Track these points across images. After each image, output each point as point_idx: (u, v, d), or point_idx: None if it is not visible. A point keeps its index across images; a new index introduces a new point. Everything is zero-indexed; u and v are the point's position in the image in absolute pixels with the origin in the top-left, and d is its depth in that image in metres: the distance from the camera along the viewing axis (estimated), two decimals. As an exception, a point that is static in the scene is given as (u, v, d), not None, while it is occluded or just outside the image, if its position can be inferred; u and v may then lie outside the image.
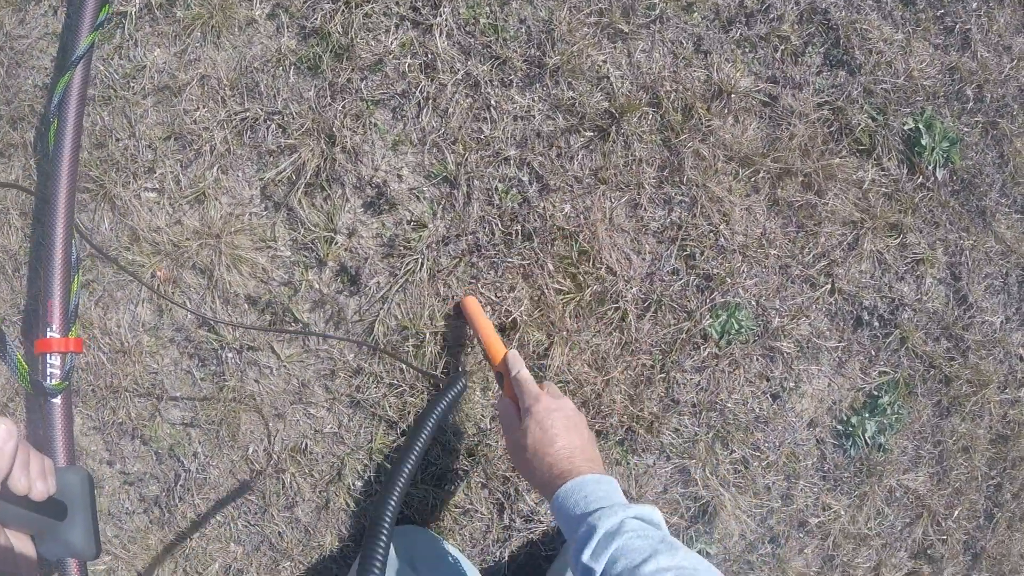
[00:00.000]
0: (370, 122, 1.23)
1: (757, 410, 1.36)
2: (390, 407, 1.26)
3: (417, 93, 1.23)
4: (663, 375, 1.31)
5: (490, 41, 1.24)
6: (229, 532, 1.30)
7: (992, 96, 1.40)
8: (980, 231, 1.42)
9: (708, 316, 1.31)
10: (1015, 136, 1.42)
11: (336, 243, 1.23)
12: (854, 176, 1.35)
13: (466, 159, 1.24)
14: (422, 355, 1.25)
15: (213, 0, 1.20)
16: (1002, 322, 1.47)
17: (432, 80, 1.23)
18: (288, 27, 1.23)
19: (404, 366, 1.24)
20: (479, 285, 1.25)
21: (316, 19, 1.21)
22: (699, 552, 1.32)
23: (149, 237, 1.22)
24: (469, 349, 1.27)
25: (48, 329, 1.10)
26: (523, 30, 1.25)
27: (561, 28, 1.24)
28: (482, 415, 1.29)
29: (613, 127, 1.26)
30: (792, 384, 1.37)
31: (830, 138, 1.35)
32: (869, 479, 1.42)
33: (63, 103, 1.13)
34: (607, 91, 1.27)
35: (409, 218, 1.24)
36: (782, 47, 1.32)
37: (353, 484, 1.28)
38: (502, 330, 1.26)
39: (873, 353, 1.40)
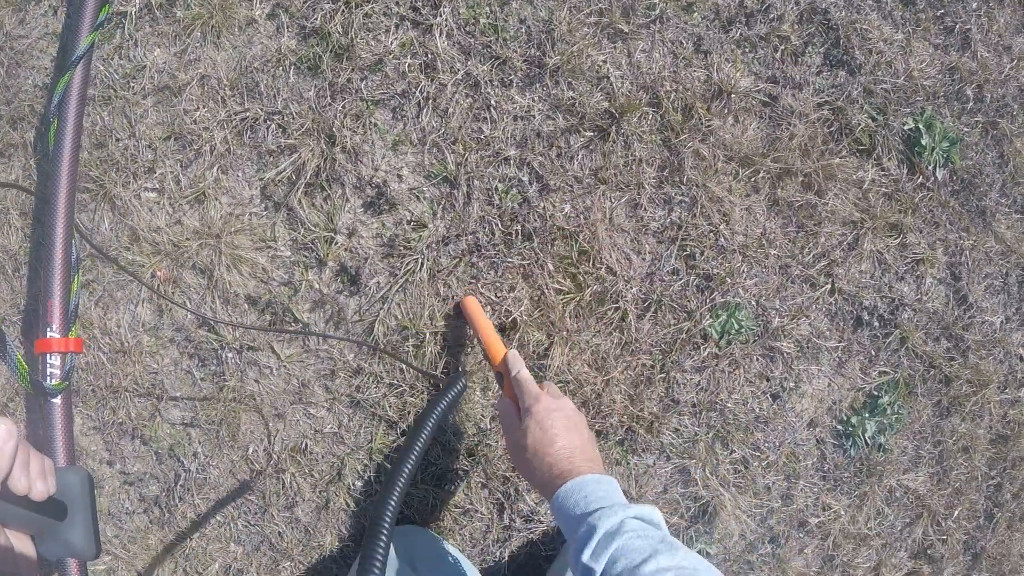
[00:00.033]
0: (370, 122, 1.23)
1: (757, 410, 1.36)
2: (390, 407, 1.26)
3: (417, 93, 1.23)
4: (663, 375, 1.31)
5: (490, 41, 1.24)
6: (229, 532, 1.30)
7: (992, 96, 1.40)
8: (980, 231, 1.42)
9: (708, 316, 1.31)
10: (1015, 136, 1.42)
11: (336, 243, 1.23)
12: (854, 176, 1.35)
13: (466, 159, 1.24)
14: (422, 355, 1.25)
15: (213, 0, 1.20)
16: (1002, 322, 1.47)
17: (432, 80, 1.23)
18: (288, 27, 1.23)
19: (404, 366, 1.24)
20: (479, 285, 1.25)
21: (316, 19, 1.21)
22: (699, 552, 1.32)
23: (149, 237, 1.22)
24: (469, 349, 1.27)
25: (48, 329, 1.10)
26: (523, 30, 1.25)
27: (561, 28, 1.24)
28: (482, 415, 1.29)
29: (613, 127, 1.26)
30: (792, 384, 1.37)
31: (830, 138, 1.35)
32: (869, 479, 1.42)
33: (63, 103, 1.13)
34: (607, 91, 1.27)
35: (409, 218, 1.24)
36: (782, 47, 1.32)
37: (353, 484, 1.28)
38: (502, 330, 1.26)
39: (873, 353, 1.40)
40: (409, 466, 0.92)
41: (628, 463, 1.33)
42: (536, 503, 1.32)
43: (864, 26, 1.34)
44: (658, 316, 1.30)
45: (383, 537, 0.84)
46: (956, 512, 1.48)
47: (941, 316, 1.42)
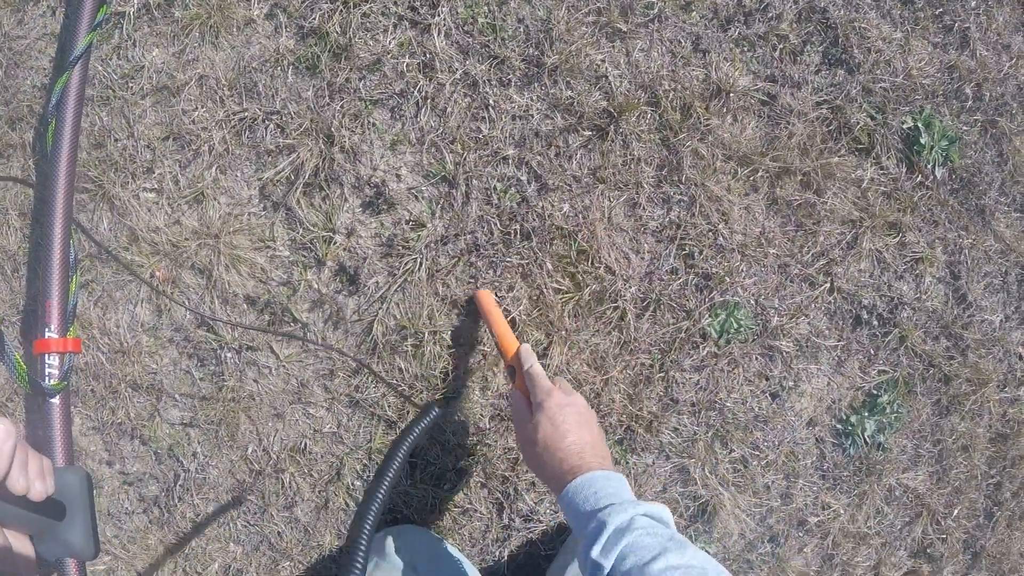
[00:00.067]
0: (368, 122, 1.23)
1: (756, 409, 1.36)
2: (389, 407, 1.26)
3: (415, 93, 1.23)
4: (662, 374, 1.31)
5: (488, 40, 1.23)
6: (228, 532, 1.30)
7: (991, 94, 1.40)
8: (979, 230, 1.42)
9: (707, 315, 1.31)
10: (1014, 134, 1.42)
11: (335, 243, 1.23)
12: (853, 175, 1.35)
13: (464, 158, 1.24)
14: (421, 355, 1.25)
15: (211, 0, 1.20)
16: (1001, 321, 1.47)
17: (430, 80, 1.23)
18: (286, 27, 1.23)
19: (387, 383, 1.23)
20: (478, 284, 1.25)
21: (314, 19, 1.21)
22: (698, 551, 1.32)
23: (148, 237, 1.22)
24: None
25: (46, 329, 1.10)
26: (521, 29, 1.25)
27: (559, 27, 1.24)
28: (481, 415, 1.29)
29: (611, 126, 1.26)
30: (791, 383, 1.37)
31: (829, 137, 1.35)
32: (868, 478, 1.42)
33: (61, 103, 1.13)
34: (605, 90, 1.27)
35: (408, 218, 1.24)
36: (781, 46, 1.32)
37: (352, 484, 1.28)
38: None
39: (872, 352, 1.40)
40: (377, 503, 0.89)
41: (627, 462, 1.33)
42: (535, 503, 1.32)
43: (863, 25, 1.33)
44: (657, 315, 1.30)
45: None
46: (956, 511, 1.48)
47: (940, 315, 1.42)
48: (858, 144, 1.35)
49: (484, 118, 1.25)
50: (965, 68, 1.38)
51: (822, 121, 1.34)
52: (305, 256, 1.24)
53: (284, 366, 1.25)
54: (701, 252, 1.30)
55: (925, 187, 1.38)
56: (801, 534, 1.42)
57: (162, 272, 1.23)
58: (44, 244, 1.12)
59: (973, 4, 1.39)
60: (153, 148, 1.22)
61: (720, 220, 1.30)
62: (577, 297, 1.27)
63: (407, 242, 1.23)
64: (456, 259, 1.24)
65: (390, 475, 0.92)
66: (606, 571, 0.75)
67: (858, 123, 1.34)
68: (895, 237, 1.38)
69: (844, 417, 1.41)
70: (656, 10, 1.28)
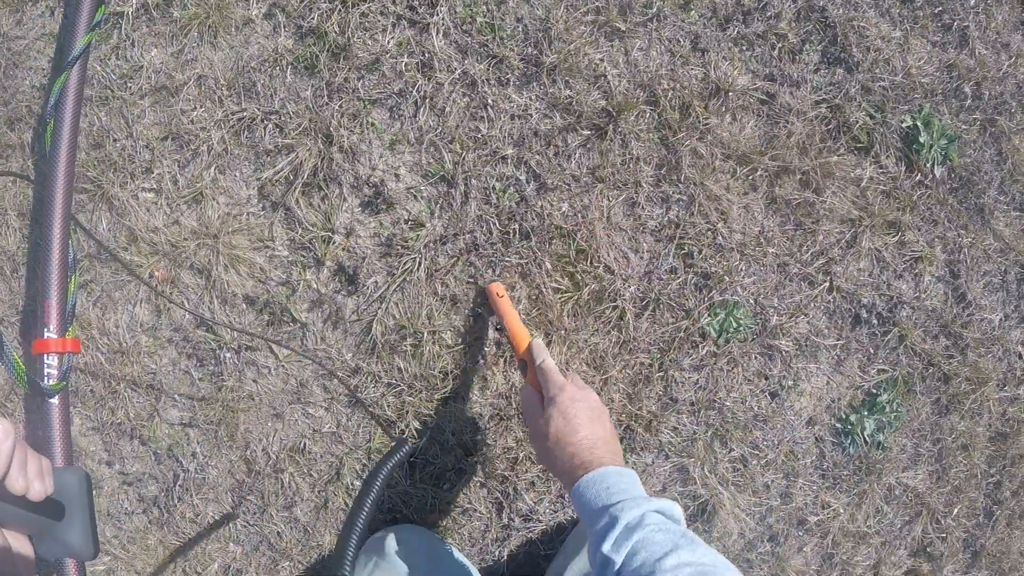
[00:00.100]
0: (367, 121, 1.23)
1: (756, 408, 1.36)
2: (388, 406, 1.26)
3: (414, 92, 1.23)
4: (661, 374, 1.31)
5: (487, 40, 1.23)
6: (228, 532, 1.30)
7: (990, 93, 1.40)
8: (978, 228, 1.42)
9: (706, 314, 1.31)
10: (1013, 133, 1.42)
11: (334, 243, 1.23)
12: (852, 174, 1.35)
13: (463, 158, 1.24)
14: (420, 354, 1.25)
15: (209, 0, 1.20)
16: (1001, 319, 1.47)
17: (429, 79, 1.23)
18: (285, 27, 1.23)
19: (370, 413, 1.22)
20: (477, 284, 1.25)
21: (313, 19, 1.21)
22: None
23: (147, 237, 1.22)
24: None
25: (45, 329, 1.10)
26: (520, 29, 1.25)
27: (558, 27, 1.24)
28: (480, 414, 1.29)
29: (610, 125, 1.26)
30: (791, 382, 1.37)
31: (828, 136, 1.35)
32: (868, 477, 1.42)
33: (60, 103, 1.13)
34: (604, 89, 1.27)
35: (407, 217, 1.24)
36: (779, 45, 1.32)
37: (352, 484, 1.28)
38: (502, 328, 1.26)
39: (872, 351, 1.40)
40: (354, 540, 0.88)
41: (627, 462, 1.33)
42: (535, 502, 1.32)
43: (862, 23, 1.33)
44: (656, 315, 1.30)
45: None
46: (955, 510, 1.48)
47: (940, 314, 1.42)
48: (857, 143, 1.35)
49: (483, 117, 1.24)
50: (964, 67, 1.38)
51: (821, 120, 1.34)
52: (304, 256, 1.24)
53: (283, 366, 1.25)
54: (700, 251, 1.30)
55: (924, 186, 1.38)
56: (801, 533, 1.42)
57: (161, 272, 1.23)
58: (43, 244, 1.12)
59: (972, 3, 1.39)
60: (152, 148, 1.22)
61: (719, 219, 1.30)
62: (576, 296, 1.27)
63: (406, 242, 1.23)
64: (455, 259, 1.24)
65: (362, 517, 0.91)
66: (617, 566, 0.75)
67: (857, 122, 1.34)
68: (894, 236, 1.38)
69: (844, 416, 1.41)
70: (655, 9, 1.28)
